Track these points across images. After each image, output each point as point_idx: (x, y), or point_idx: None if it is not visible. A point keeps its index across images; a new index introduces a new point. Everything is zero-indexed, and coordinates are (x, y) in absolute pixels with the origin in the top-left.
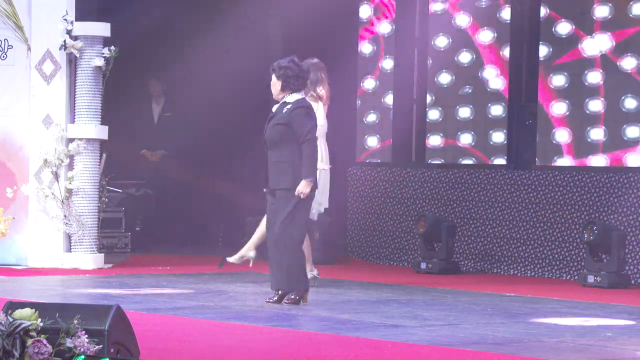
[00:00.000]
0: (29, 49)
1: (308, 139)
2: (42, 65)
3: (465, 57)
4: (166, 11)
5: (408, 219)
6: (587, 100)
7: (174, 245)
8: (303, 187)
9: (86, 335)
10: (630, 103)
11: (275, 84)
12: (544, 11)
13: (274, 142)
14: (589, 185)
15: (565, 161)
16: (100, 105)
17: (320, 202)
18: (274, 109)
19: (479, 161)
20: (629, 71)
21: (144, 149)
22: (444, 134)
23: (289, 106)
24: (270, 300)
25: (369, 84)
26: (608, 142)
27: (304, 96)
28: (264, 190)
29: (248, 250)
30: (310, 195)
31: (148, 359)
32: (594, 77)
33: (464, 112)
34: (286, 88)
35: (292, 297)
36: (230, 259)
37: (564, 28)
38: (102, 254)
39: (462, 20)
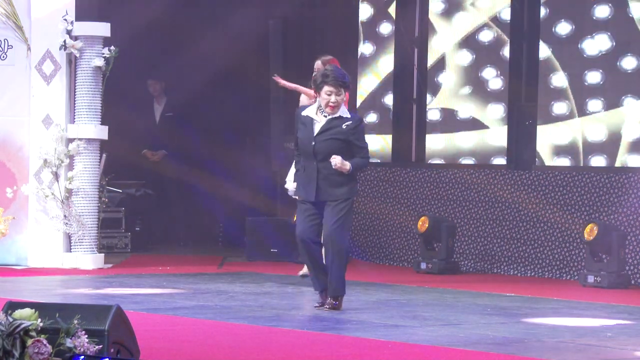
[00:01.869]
0: (29, 49)
1: (367, 157)
2: (42, 65)
3: (465, 57)
4: (166, 11)
5: (408, 219)
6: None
7: (173, 245)
8: (343, 163)
9: (86, 335)
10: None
11: (344, 99)
12: (544, 11)
13: (329, 155)
14: (589, 186)
15: (565, 161)
16: (100, 105)
17: None
18: (315, 117)
19: (479, 161)
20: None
21: (145, 149)
22: (443, 134)
23: (348, 123)
24: (322, 304)
25: (368, 83)
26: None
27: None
28: (307, 201)
29: None
30: (352, 202)
31: (148, 359)
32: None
33: (464, 112)
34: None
35: (334, 302)
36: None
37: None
38: (102, 254)
39: (462, 20)
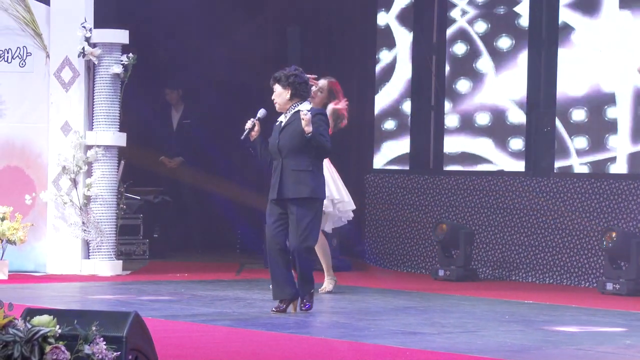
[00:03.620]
0: (48, 56)
1: (328, 144)
2: (61, 73)
3: (483, 64)
4: (184, 18)
5: (426, 226)
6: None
7: (191, 252)
8: (309, 118)
9: (104, 342)
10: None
11: (282, 94)
12: (562, 17)
13: (292, 150)
14: (608, 192)
15: (584, 168)
16: (119, 112)
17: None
18: (282, 118)
19: (497, 168)
20: None
21: (162, 156)
22: (461, 140)
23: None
24: (279, 310)
25: (387, 89)
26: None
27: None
28: (271, 199)
29: (332, 276)
30: (320, 207)
31: None
32: None
33: (482, 119)
34: (295, 96)
35: (308, 303)
36: (327, 289)
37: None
38: (120, 261)
39: (480, 27)
